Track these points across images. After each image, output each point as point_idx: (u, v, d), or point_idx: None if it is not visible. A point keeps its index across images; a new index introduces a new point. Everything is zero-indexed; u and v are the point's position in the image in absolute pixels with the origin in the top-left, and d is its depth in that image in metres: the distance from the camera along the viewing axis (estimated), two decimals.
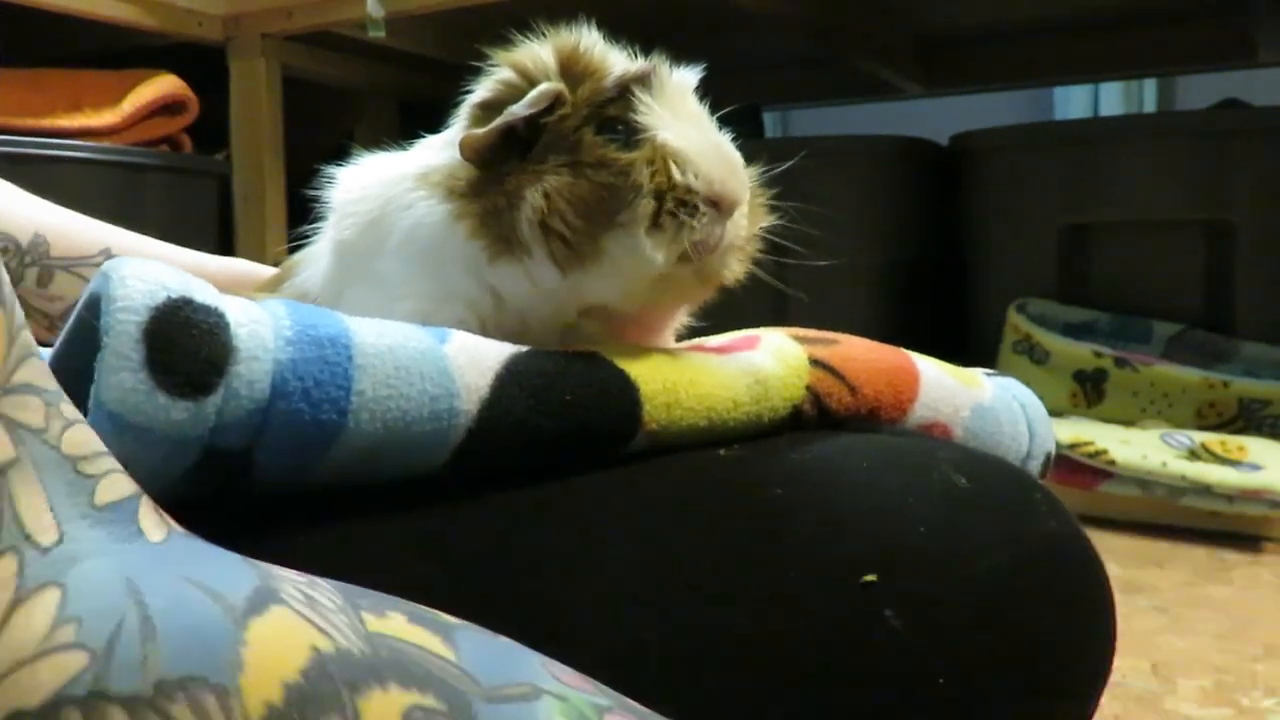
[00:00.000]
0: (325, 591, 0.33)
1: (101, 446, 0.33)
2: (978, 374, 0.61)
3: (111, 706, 0.28)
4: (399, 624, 0.33)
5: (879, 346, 0.57)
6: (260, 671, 0.29)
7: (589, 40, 0.53)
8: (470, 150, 0.51)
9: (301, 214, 0.60)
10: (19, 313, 0.32)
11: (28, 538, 0.29)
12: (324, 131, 2.20)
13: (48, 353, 0.40)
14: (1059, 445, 0.68)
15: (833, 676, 0.42)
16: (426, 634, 0.34)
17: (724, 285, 0.54)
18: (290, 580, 0.33)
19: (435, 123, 0.58)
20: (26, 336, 0.32)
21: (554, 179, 0.49)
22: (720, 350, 0.53)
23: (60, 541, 0.30)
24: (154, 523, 0.33)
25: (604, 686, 0.36)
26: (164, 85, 1.78)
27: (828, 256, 0.63)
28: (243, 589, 0.31)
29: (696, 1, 1.79)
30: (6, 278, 0.31)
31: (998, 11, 2.01)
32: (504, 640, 0.36)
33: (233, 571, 0.32)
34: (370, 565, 0.42)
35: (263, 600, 0.31)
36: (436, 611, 0.35)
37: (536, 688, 0.34)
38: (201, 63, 1.84)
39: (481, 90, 0.54)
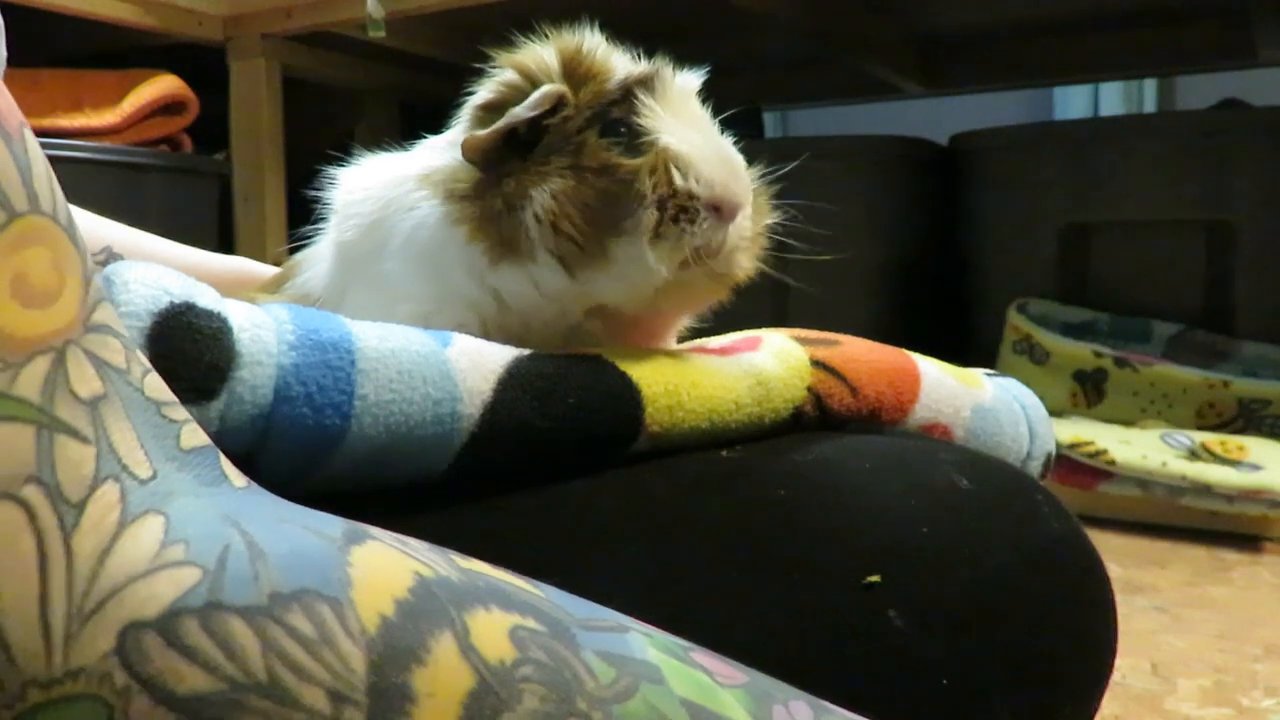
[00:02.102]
0: (412, 539, 0.34)
1: (174, 396, 0.33)
2: (978, 374, 0.61)
3: (229, 616, 0.28)
4: (486, 567, 0.34)
5: (880, 347, 0.57)
6: (369, 588, 0.30)
7: (592, 42, 0.53)
8: (472, 151, 0.51)
9: (301, 214, 0.60)
10: (90, 259, 0.32)
11: (125, 468, 0.29)
12: (324, 131, 2.20)
13: None
14: (1059, 445, 0.69)
15: (836, 676, 0.42)
16: (513, 576, 0.35)
17: (736, 283, 0.54)
18: (377, 529, 0.33)
19: (435, 123, 0.58)
20: (99, 281, 0.32)
21: (558, 181, 0.49)
22: (722, 352, 0.53)
23: (155, 477, 0.30)
24: (235, 471, 0.33)
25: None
26: (164, 85, 1.78)
27: (828, 256, 0.63)
28: (336, 526, 0.32)
29: (696, 2, 1.79)
30: (78, 223, 0.32)
31: (998, 11, 2.01)
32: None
33: (320, 515, 0.33)
34: None
35: (358, 535, 0.32)
36: None
37: (624, 624, 0.35)
38: (201, 63, 1.84)
39: (484, 91, 0.54)
